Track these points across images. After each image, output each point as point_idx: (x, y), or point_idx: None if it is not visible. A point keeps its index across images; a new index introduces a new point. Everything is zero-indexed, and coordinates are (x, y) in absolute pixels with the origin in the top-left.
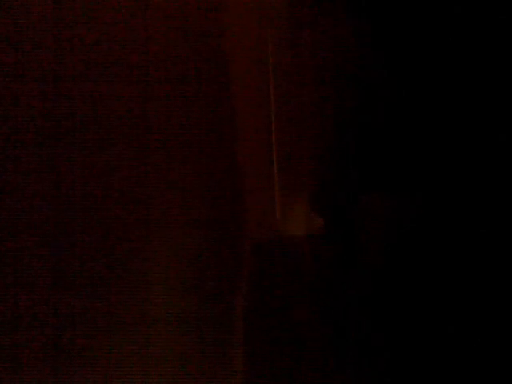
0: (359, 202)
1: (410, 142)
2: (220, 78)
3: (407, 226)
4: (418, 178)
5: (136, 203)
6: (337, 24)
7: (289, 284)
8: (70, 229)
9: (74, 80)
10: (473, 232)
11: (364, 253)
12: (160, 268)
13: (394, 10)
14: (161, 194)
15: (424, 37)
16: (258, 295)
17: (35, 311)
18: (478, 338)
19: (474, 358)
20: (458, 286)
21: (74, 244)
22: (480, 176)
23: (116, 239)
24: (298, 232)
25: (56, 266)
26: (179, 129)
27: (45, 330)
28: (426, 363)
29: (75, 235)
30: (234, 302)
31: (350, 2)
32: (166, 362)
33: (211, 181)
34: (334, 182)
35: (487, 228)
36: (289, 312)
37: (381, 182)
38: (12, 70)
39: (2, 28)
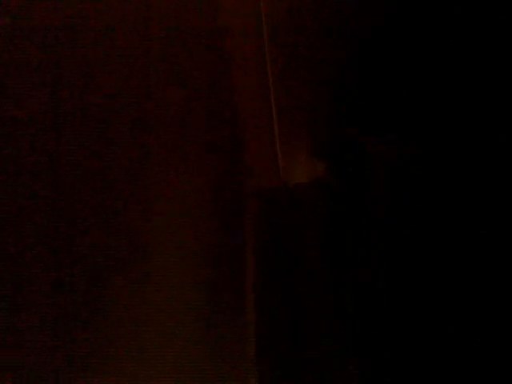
0: (365, 146)
1: (411, 83)
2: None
3: (409, 170)
4: (421, 124)
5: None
6: None
7: (294, 230)
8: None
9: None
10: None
11: (368, 198)
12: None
13: None
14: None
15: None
16: (263, 242)
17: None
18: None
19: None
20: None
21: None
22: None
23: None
24: (300, 178)
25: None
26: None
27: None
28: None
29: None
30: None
31: None
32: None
33: (213, 132)
34: (335, 126)
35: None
36: (296, 256)
37: (383, 125)
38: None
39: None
